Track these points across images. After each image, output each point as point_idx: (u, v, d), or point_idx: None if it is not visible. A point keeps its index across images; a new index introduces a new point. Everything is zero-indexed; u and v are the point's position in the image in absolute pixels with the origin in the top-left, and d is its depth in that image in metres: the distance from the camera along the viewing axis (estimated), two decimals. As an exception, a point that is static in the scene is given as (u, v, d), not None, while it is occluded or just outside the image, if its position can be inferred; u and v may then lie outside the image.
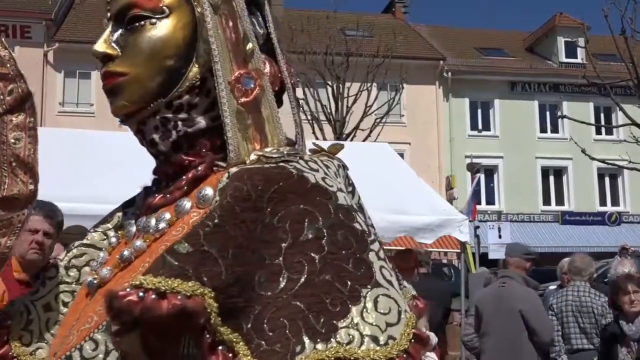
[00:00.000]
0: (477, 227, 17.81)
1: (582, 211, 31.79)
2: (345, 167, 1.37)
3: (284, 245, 1.09)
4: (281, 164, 1.19)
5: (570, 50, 32.60)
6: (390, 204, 7.36)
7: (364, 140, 19.70)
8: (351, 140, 20.81)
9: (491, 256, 16.57)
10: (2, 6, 24.39)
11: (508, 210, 30.92)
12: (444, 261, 22.41)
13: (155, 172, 1.36)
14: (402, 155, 21.73)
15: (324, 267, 1.07)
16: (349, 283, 1.06)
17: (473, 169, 24.80)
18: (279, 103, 1.37)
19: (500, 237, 17.42)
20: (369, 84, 22.31)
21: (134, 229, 1.32)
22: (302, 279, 1.06)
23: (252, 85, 1.26)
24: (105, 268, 1.28)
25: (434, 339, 6.13)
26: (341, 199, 1.17)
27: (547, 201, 32.19)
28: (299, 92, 22.23)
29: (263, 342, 1.03)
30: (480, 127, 31.94)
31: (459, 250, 9.07)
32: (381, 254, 1.14)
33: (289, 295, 1.06)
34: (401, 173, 8.38)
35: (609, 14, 15.09)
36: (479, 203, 25.42)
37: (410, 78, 26.51)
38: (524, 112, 32.11)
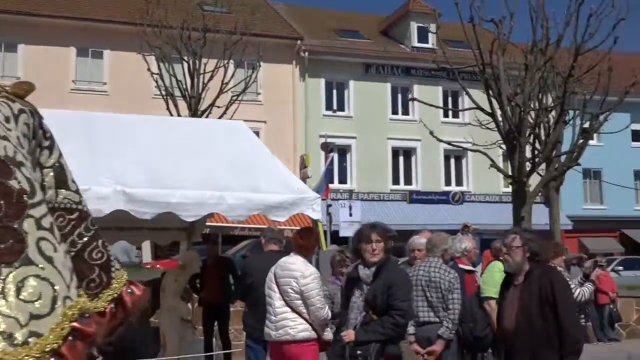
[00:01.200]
0: (329, 206, 18.19)
1: (428, 190, 33.21)
2: (35, 114, 1.08)
3: None
4: None
5: (423, 35, 33.78)
6: (245, 182, 7.38)
7: (219, 118, 19.55)
8: (207, 117, 20.60)
9: (342, 234, 16.98)
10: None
11: (359, 189, 31.73)
12: (297, 238, 22.70)
13: None
14: (257, 133, 21.78)
15: None
16: None
17: (327, 148, 25.30)
18: None
19: (351, 215, 17.89)
20: (226, 61, 22.11)
21: None
22: None
23: None
24: None
25: (329, 313, 6.21)
26: None
27: (396, 180, 33.34)
28: (154, 67, 21.71)
29: None
30: (335, 107, 32.50)
31: (311, 228, 9.20)
32: (45, 222, 0.87)
33: None
34: (256, 151, 8.40)
35: (459, 1, 15.73)
36: (332, 182, 25.95)
37: (268, 56, 26.54)
38: (377, 93, 32.97)
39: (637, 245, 34.04)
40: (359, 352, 5.19)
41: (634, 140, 35.94)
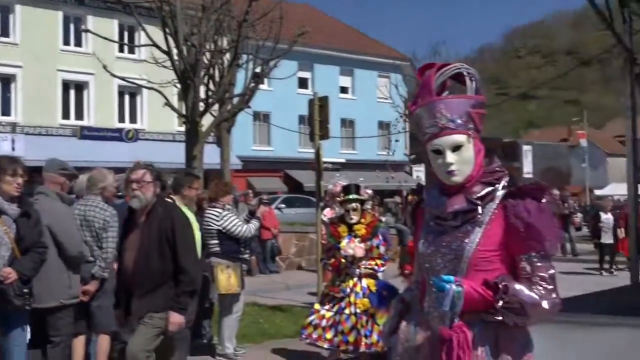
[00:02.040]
0: (-9, 139, 16.86)
1: (101, 127, 32.31)
2: None
3: None
4: None
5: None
6: None
7: None
8: None
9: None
10: None
11: (25, 123, 29.86)
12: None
13: None
14: None
15: None
16: None
17: (-12, 76, 23.27)
18: None
19: (13, 149, 16.83)
20: None
21: None
22: None
23: None
24: None
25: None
26: None
27: (66, 115, 31.91)
28: None
29: None
30: (-2, 32, 30.01)
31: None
32: None
33: None
34: None
35: None
36: (-7, 113, 24.05)
37: None
38: (48, 21, 31.05)
39: (299, 184, 36.77)
40: (25, 290, 5.01)
41: (299, 87, 38.40)
